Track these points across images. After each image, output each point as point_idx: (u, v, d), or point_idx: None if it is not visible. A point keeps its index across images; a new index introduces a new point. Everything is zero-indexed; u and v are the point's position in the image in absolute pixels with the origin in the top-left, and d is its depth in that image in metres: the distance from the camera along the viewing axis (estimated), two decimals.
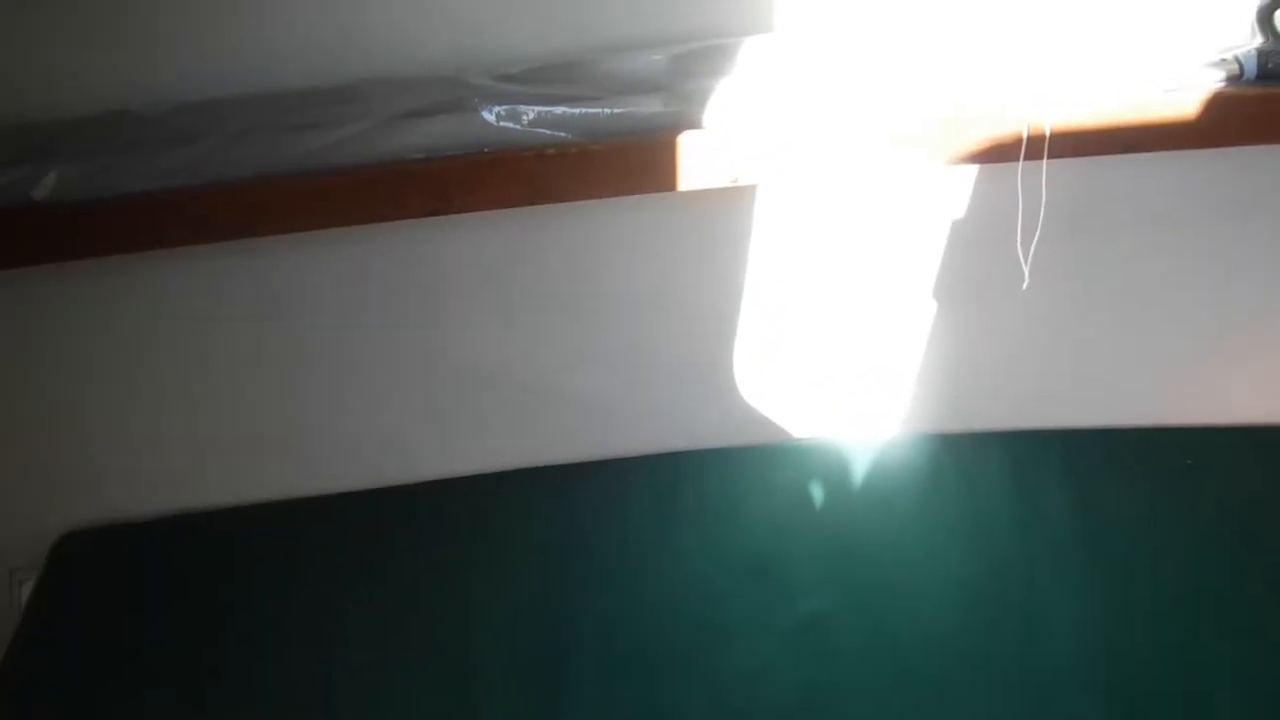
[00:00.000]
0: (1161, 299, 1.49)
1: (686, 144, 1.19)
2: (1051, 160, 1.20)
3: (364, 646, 1.36)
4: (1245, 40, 1.24)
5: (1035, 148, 1.19)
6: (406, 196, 1.22)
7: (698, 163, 1.19)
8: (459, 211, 1.23)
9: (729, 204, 1.35)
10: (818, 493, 1.46)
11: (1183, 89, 1.22)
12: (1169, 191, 1.39)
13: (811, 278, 1.44)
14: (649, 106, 1.23)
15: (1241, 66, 1.22)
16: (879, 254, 1.42)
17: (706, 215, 1.37)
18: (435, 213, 1.23)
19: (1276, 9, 1.24)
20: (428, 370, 1.46)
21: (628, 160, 1.20)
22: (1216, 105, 1.20)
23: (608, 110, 1.22)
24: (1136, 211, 1.41)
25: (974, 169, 1.32)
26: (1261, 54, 1.21)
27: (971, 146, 1.19)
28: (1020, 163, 1.19)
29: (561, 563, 1.41)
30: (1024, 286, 1.26)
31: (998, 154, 1.20)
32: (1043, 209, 1.21)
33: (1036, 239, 1.23)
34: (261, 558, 1.45)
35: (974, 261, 1.39)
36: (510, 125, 1.21)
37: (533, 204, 1.23)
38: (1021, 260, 1.24)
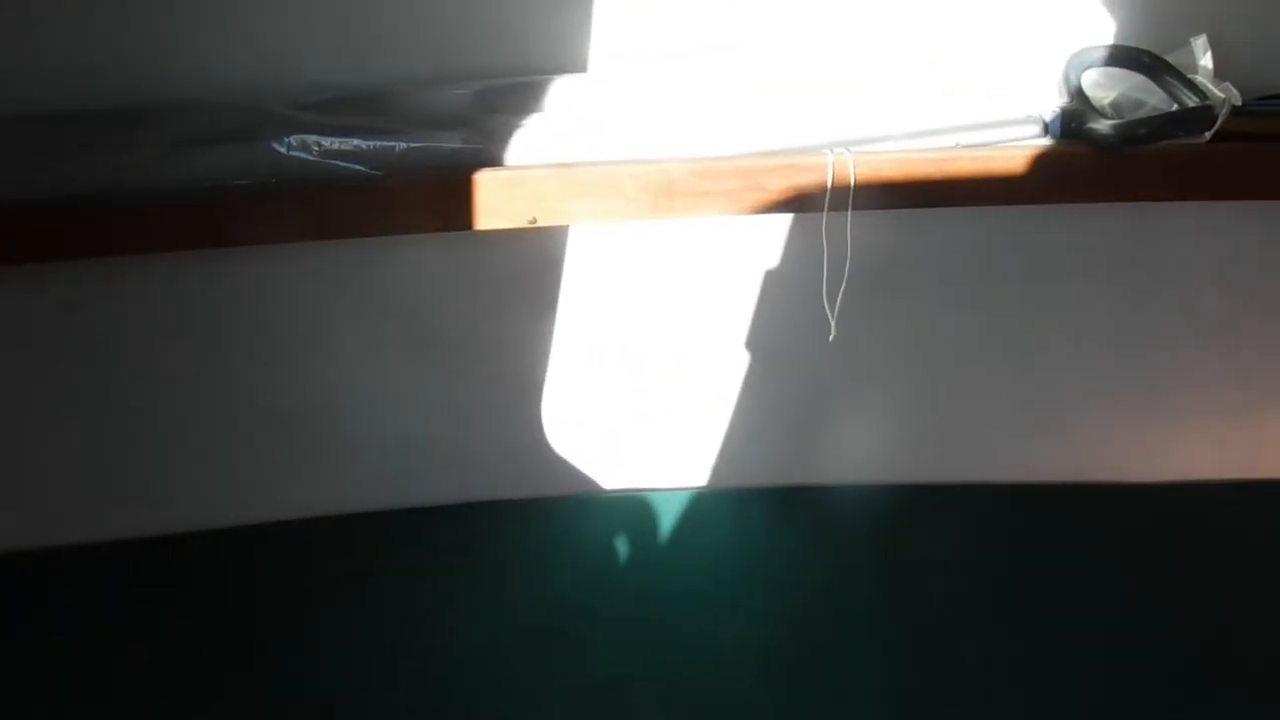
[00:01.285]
0: (970, 355, 1.48)
1: (484, 182, 1.15)
2: (859, 212, 1.17)
3: (134, 706, 1.27)
4: (1051, 99, 1.24)
5: (841, 199, 1.16)
6: (189, 226, 1.16)
7: (495, 202, 1.16)
8: (245, 244, 1.19)
9: (538, 245, 1.33)
10: (623, 547, 1.42)
11: (988, 146, 1.19)
12: (977, 247, 1.39)
13: (622, 325, 1.40)
14: (448, 142, 1.19)
15: (1046, 125, 1.20)
16: (691, 302, 1.40)
17: (514, 256, 1.34)
18: (220, 244, 1.19)
19: (1083, 69, 1.23)
20: (212, 414, 1.39)
21: (422, 196, 1.17)
22: (1021, 163, 1.18)
23: (404, 144, 1.17)
24: (945, 267, 1.41)
25: (788, 218, 1.28)
26: (1066, 113, 1.21)
27: (775, 195, 1.17)
28: (825, 214, 1.15)
29: (351, 619, 1.35)
30: (831, 339, 1.21)
31: (802, 204, 1.17)
32: (848, 261, 1.18)
33: (843, 292, 1.20)
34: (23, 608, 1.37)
35: (785, 313, 1.38)
36: (302, 156, 1.17)
37: (323, 238, 1.19)
38: (828, 312, 1.21)
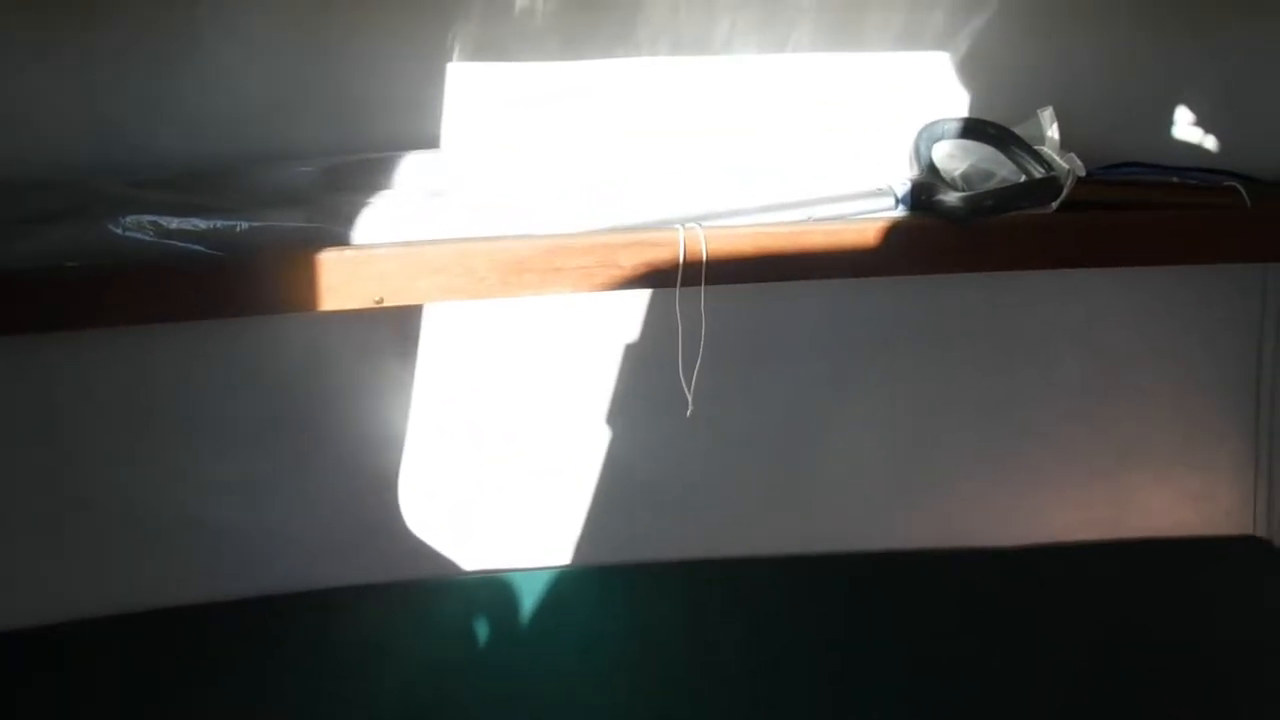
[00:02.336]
0: (833, 425, 1.49)
1: (328, 262, 1.12)
2: (714, 287, 1.16)
3: None
4: (903, 172, 1.25)
5: (694, 274, 1.15)
6: (18, 310, 1.10)
7: (340, 282, 1.12)
8: (78, 328, 1.14)
9: (389, 324, 1.27)
10: (484, 630, 1.39)
11: (841, 219, 1.19)
12: (839, 317, 1.40)
13: (478, 402, 1.38)
14: (292, 220, 1.16)
15: (898, 198, 1.20)
16: (549, 378, 1.38)
17: (365, 335, 1.30)
18: (52, 328, 1.13)
19: (934, 141, 1.24)
20: (44, 501, 1.32)
21: (263, 277, 1.13)
22: (872, 235, 1.18)
23: (246, 223, 1.14)
24: (807, 337, 1.41)
25: (647, 292, 1.27)
26: (916, 186, 1.21)
27: (628, 271, 1.16)
28: (678, 289, 1.14)
29: (206, 712, 1.28)
30: (688, 413, 1.20)
31: (656, 279, 1.16)
32: (703, 336, 1.17)
33: (699, 366, 1.18)
34: None
35: (643, 387, 1.37)
36: (139, 236, 1.13)
37: (160, 321, 1.15)
38: (685, 387, 1.19)
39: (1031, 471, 1.51)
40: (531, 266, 1.15)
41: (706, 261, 1.16)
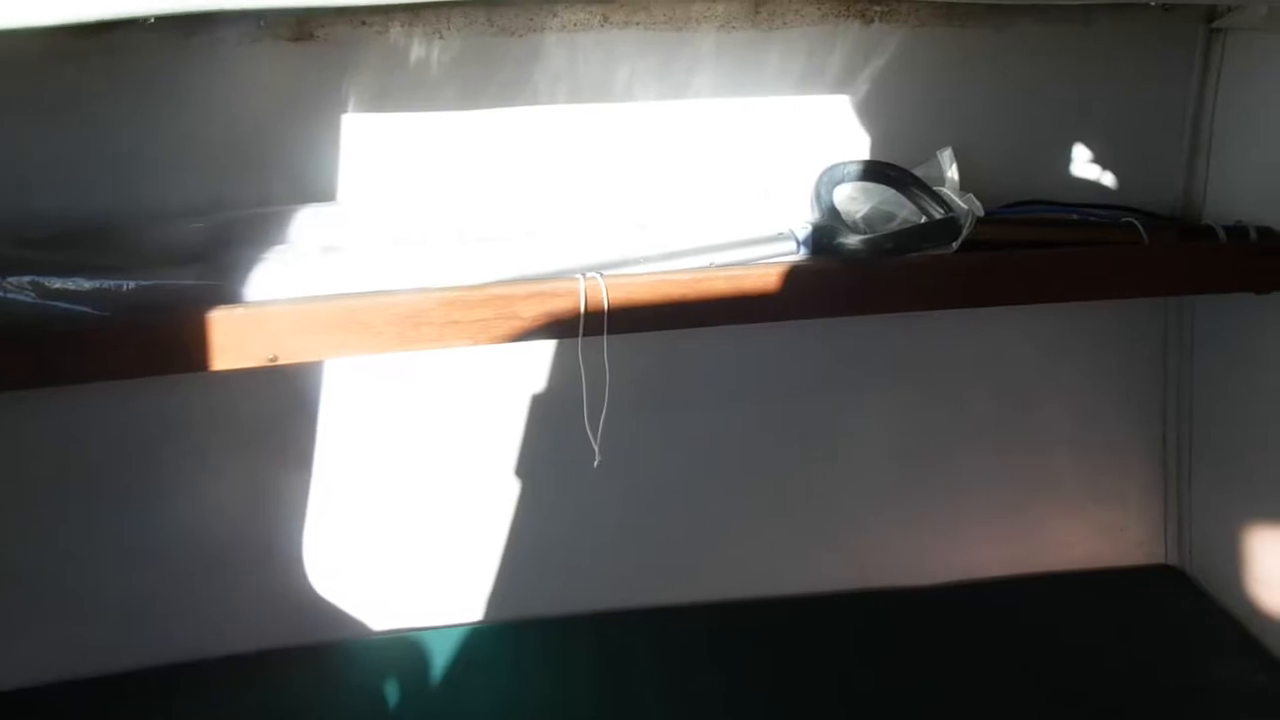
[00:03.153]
0: (745, 470, 1.49)
1: (219, 320, 1.09)
2: (626, 334, 1.14)
3: None
4: (805, 215, 1.25)
5: (596, 323, 1.13)
6: None
7: (232, 341, 1.09)
8: None
9: (290, 382, 1.27)
10: (395, 691, 1.35)
11: (742, 264, 1.19)
12: (746, 361, 1.40)
13: (384, 458, 1.35)
14: (182, 279, 1.12)
15: (798, 241, 1.20)
16: (454, 432, 1.35)
17: (264, 394, 1.28)
18: None
19: (835, 185, 1.24)
20: None
21: (152, 338, 1.10)
22: (774, 280, 1.18)
23: (133, 283, 1.10)
24: (715, 382, 1.42)
25: (551, 343, 1.25)
26: (818, 229, 1.21)
27: (529, 323, 1.14)
28: (580, 339, 1.12)
29: None
30: (596, 464, 1.18)
31: (557, 330, 1.15)
32: (608, 385, 1.15)
33: (605, 415, 1.16)
34: None
35: (550, 438, 1.35)
36: (20, 297, 1.09)
37: (43, 385, 1.10)
38: (591, 438, 1.17)
39: (944, 510, 1.51)
40: (429, 320, 1.13)
41: (608, 311, 1.14)
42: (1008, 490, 1.52)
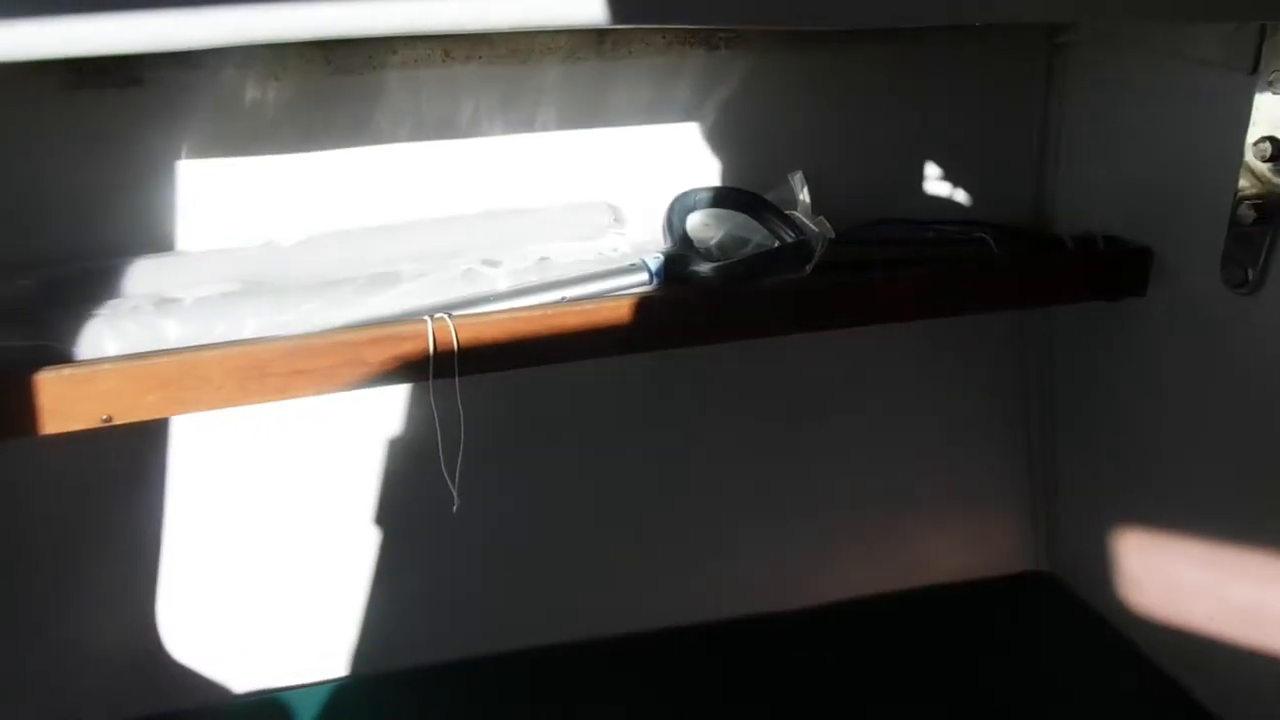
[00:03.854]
0: (609, 505, 1.47)
1: (45, 382, 1.04)
2: (472, 375, 1.11)
3: None
4: (658, 245, 1.25)
5: (446, 365, 1.10)
6: None
7: (60, 403, 1.04)
8: None
9: (134, 440, 1.22)
10: None
11: (594, 297, 1.17)
12: (599, 396, 1.39)
13: (237, 513, 1.31)
14: (6, 339, 1.07)
15: (651, 272, 1.18)
16: (309, 483, 1.32)
17: (108, 454, 1.22)
18: None
19: (687, 212, 1.23)
20: None
21: None
22: (627, 312, 1.16)
23: None
24: (574, 419, 1.40)
25: (405, 386, 1.22)
26: (670, 258, 1.19)
27: (376, 368, 1.11)
28: (430, 382, 1.09)
29: None
30: (455, 509, 1.15)
31: (406, 374, 1.12)
32: (462, 427, 1.12)
33: (461, 458, 1.14)
34: None
35: (408, 485, 1.32)
36: None
37: None
38: (448, 481, 1.14)
39: (811, 531, 1.51)
40: (271, 371, 1.10)
41: (458, 351, 1.11)
42: (876, 507, 1.53)
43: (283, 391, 1.11)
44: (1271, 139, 1.17)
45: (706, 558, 1.49)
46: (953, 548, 1.57)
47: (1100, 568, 1.48)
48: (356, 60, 1.21)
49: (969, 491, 1.57)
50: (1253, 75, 1.17)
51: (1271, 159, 1.17)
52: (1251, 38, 1.16)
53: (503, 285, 1.19)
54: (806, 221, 1.27)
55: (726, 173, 1.34)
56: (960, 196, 1.43)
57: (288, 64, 1.19)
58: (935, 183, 1.43)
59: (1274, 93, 1.14)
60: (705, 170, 1.34)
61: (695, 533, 1.48)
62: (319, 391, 1.12)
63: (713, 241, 1.27)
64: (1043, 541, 1.59)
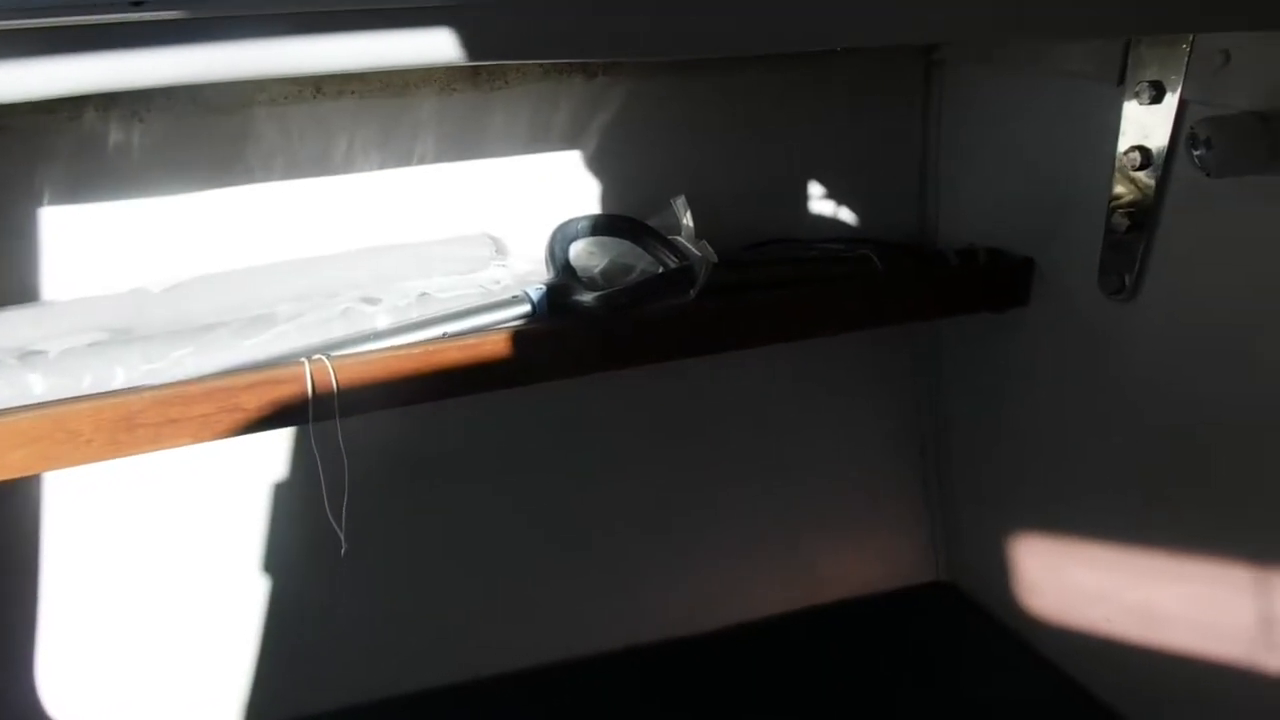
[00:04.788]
0: (504, 539, 1.46)
1: None
2: (354, 417, 1.09)
3: None
4: (539, 275, 1.25)
5: (327, 407, 1.08)
6: None
7: None
8: None
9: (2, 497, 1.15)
10: None
11: (477, 331, 1.15)
12: (489, 430, 1.38)
13: (117, 571, 1.26)
14: None
15: (533, 303, 1.17)
16: (194, 532, 1.29)
17: None
18: None
19: (569, 241, 1.22)
20: None
21: None
22: (509, 345, 1.14)
23: None
24: (459, 454, 1.39)
25: (289, 429, 1.20)
26: (552, 289, 1.18)
27: (254, 413, 1.08)
28: (310, 425, 1.07)
29: None
30: (343, 552, 1.12)
31: (286, 418, 1.09)
32: (346, 470, 1.10)
33: (347, 501, 1.11)
34: None
35: (294, 531, 1.30)
36: None
37: None
38: (335, 525, 1.12)
39: (717, 553, 1.51)
40: (143, 421, 1.06)
41: (338, 393, 1.09)
42: (777, 526, 1.53)
43: (156, 442, 1.08)
44: (1140, 148, 1.19)
45: (609, 585, 1.49)
46: (856, 562, 1.58)
47: (1000, 576, 1.50)
48: (224, 98, 1.18)
49: (869, 505, 1.58)
50: (1120, 86, 1.19)
51: (1141, 167, 1.19)
52: (1117, 50, 1.18)
53: (382, 323, 1.16)
54: (690, 246, 1.26)
55: (610, 199, 1.33)
56: (844, 215, 1.44)
57: (152, 104, 1.16)
58: (819, 202, 1.43)
59: (1140, 103, 1.17)
60: (588, 198, 1.33)
61: (597, 560, 1.47)
62: (195, 440, 1.09)
63: (596, 270, 1.26)
64: (943, 552, 1.61)
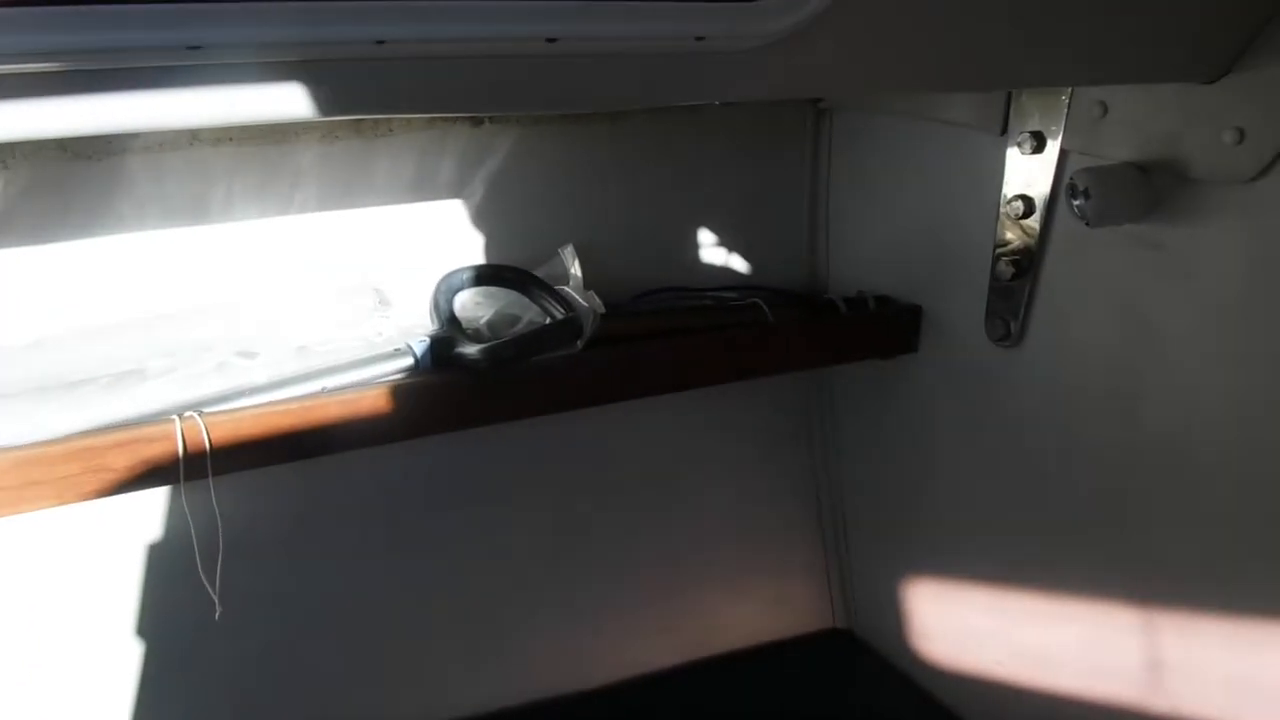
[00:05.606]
0: (385, 599, 1.41)
1: None
2: (228, 475, 1.05)
3: None
4: (423, 327, 1.22)
5: (199, 466, 1.04)
6: None
7: None
8: None
9: None
10: None
11: (357, 386, 1.12)
12: (377, 485, 1.34)
13: None
14: None
15: (416, 356, 1.14)
16: (61, 595, 1.24)
17: None
18: None
19: (454, 292, 1.20)
20: None
21: None
22: (390, 400, 1.12)
23: None
24: (345, 511, 1.34)
25: (163, 490, 1.15)
26: (436, 341, 1.16)
27: (122, 474, 1.03)
28: (182, 484, 1.03)
29: None
30: (218, 615, 1.08)
31: (157, 478, 1.04)
32: (220, 529, 1.06)
33: (221, 562, 1.07)
34: None
35: (168, 595, 1.25)
36: None
37: None
38: (209, 588, 1.07)
39: (606, 606, 1.49)
40: (2, 484, 1.01)
41: (211, 450, 1.05)
42: (671, 577, 1.52)
43: (16, 506, 1.04)
44: (1024, 196, 1.21)
45: (497, 641, 1.46)
46: (751, 612, 1.57)
47: (895, 622, 1.50)
48: (94, 145, 1.15)
49: (763, 554, 1.58)
50: (1003, 136, 1.20)
51: (1025, 216, 1.21)
52: (1000, 101, 1.20)
53: (260, 377, 1.13)
54: (577, 297, 1.25)
55: (496, 249, 1.32)
56: (735, 263, 1.45)
57: (17, 151, 1.12)
58: (709, 250, 1.43)
59: (1023, 153, 1.19)
60: (474, 247, 1.31)
61: (479, 619, 1.43)
62: (60, 502, 1.05)
63: (483, 321, 1.24)
64: (839, 599, 1.60)
